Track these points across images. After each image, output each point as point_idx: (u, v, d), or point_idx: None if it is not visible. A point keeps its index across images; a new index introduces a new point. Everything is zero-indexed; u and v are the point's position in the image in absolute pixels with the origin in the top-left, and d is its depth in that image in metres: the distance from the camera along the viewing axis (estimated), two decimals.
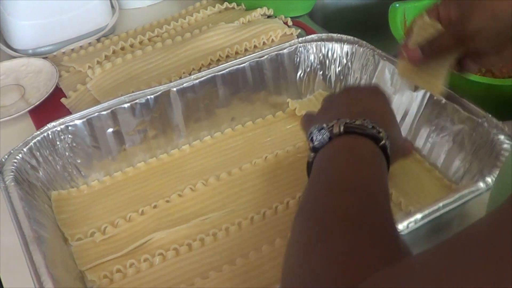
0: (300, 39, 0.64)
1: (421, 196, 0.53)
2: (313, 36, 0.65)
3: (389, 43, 0.68)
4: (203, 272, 0.49)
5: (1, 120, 0.68)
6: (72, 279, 0.47)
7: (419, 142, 0.58)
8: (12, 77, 0.78)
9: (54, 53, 0.82)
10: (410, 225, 0.44)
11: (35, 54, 0.81)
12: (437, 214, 0.45)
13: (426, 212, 0.44)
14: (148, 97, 0.58)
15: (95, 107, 0.57)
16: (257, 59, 0.62)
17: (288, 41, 0.65)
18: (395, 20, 0.72)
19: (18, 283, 0.50)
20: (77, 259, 0.50)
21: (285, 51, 0.63)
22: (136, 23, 0.87)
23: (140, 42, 0.81)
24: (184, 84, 0.59)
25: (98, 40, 0.84)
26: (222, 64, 0.61)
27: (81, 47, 0.83)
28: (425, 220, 0.44)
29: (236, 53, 0.75)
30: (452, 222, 0.51)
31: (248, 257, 0.49)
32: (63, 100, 0.71)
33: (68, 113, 0.69)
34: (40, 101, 0.70)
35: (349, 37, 0.64)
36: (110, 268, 0.50)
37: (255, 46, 0.76)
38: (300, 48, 0.64)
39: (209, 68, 0.62)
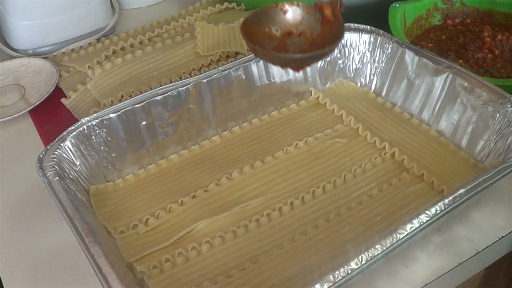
0: None
1: (450, 176, 0.55)
2: None
3: None
4: (252, 257, 0.50)
5: (1, 120, 0.68)
6: (124, 270, 0.47)
7: (443, 125, 0.60)
8: (12, 77, 0.77)
9: (54, 53, 0.81)
10: (455, 200, 0.46)
11: (35, 54, 0.81)
12: (479, 188, 0.47)
13: (468, 187, 0.46)
14: (180, 89, 0.58)
15: (128, 101, 0.57)
16: None
17: None
18: (395, 20, 0.73)
19: (18, 283, 0.50)
20: (123, 251, 0.50)
21: None
22: (136, 23, 0.87)
23: (140, 42, 0.81)
24: (214, 76, 0.60)
25: (98, 40, 0.84)
26: (249, 55, 0.62)
27: (81, 47, 0.82)
28: (469, 195, 0.46)
29: (237, 53, 0.76)
30: (479, 201, 0.54)
31: (295, 240, 0.50)
32: (63, 100, 0.70)
33: (69, 113, 0.69)
34: (40, 101, 0.70)
35: (366, 26, 0.66)
36: (158, 258, 0.50)
37: None
38: None
39: (209, 69, 0.62)
